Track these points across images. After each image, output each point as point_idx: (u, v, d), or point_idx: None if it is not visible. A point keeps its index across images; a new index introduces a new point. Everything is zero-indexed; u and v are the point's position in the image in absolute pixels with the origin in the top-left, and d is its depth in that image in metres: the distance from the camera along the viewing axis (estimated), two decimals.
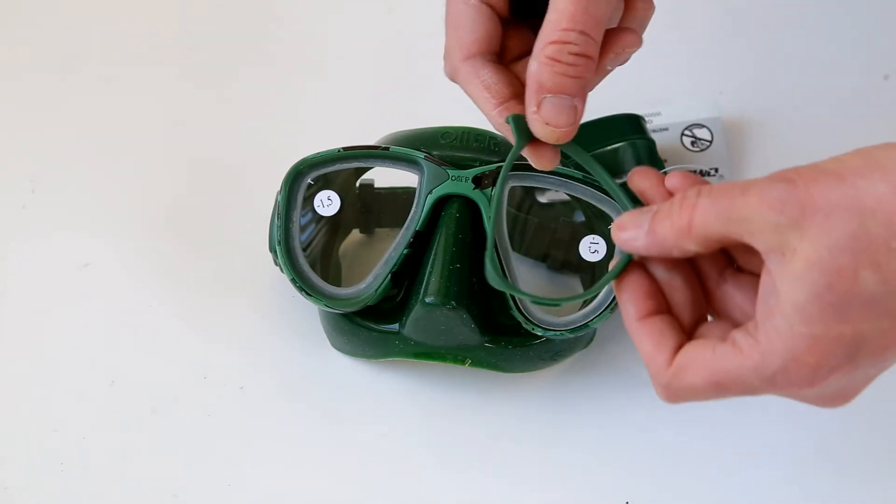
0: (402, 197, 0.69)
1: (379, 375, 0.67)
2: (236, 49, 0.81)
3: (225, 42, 0.82)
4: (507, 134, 0.55)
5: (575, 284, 0.69)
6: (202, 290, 0.70)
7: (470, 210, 0.61)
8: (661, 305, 0.52)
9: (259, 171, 0.67)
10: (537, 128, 0.53)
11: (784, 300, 0.47)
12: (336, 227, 0.68)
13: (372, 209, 0.70)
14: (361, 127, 0.68)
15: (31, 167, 0.75)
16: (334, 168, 0.63)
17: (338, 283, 0.67)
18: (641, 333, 0.51)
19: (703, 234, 0.49)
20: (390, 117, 0.72)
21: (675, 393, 0.50)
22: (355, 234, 0.71)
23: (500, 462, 0.64)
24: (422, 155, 0.62)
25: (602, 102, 0.67)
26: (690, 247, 0.50)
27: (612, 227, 0.52)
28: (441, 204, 0.61)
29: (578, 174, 0.61)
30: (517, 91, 0.55)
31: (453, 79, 0.58)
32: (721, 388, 0.49)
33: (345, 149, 0.63)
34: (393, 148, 0.62)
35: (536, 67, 0.53)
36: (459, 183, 0.61)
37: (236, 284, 0.70)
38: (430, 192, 0.61)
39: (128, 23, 0.83)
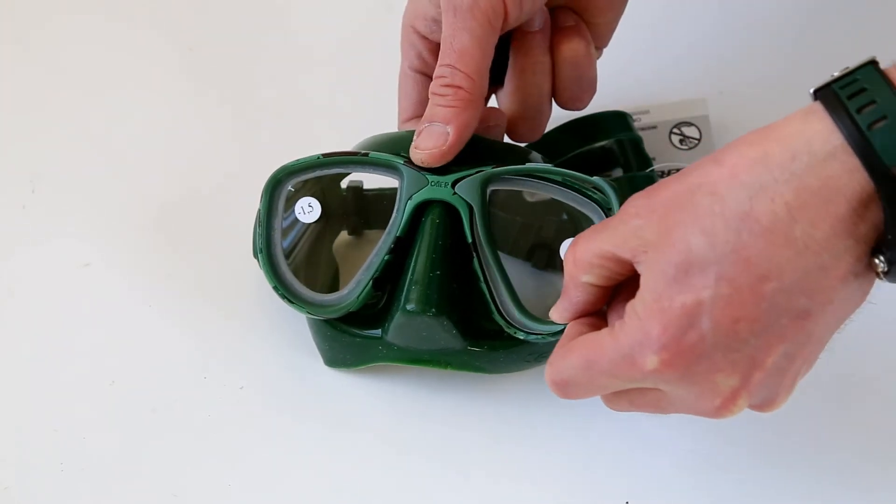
0: (391, 198, 0.69)
1: (378, 375, 0.66)
2: (237, 49, 0.81)
3: (225, 42, 0.82)
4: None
5: (559, 283, 0.69)
6: (202, 290, 0.70)
7: (450, 215, 0.61)
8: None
9: (259, 171, 0.66)
10: (412, 152, 0.60)
11: (642, 287, 0.50)
12: (324, 231, 0.68)
13: (359, 211, 0.70)
14: (363, 126, 0.67)
15: (31, 167, 0.75)
16: (314, 175, 0.63)
17: (335, 287, 0.67)
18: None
19: (585, 260, 0.53)
20: (393, 116, 0.72)
21: (555, 370, 0.54)
22: (348, 236, 0.71)
23: (499, 463, 0.64)
24: (401, 160, 0.61)
25: (598, 101, 0.68)
26: (584, 278, 0.54)
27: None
28: (421, 209, 0.61)
29: (559, 177, 0.61)
30: None
31: None
32: (591, 364, 0.52)
33: (324, 155, 0.63)
34: (372, 154, 0.62)
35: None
36: (439, 188, 0.61)
37: (237, 284, 0.70)
38: (409, 198, 0.61)
39: (128, 23, 0.83)
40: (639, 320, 0.50)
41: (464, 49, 0.58)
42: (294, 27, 0.82)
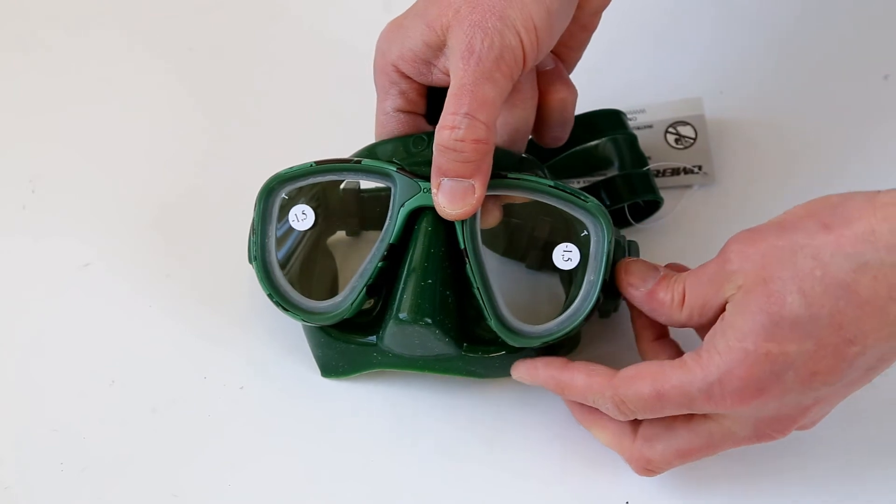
0: (387, 200, 0.69)
1: (376, 377, 0.66)
2: (237, 49, 0.81)
3: (225, 42, 0.82)
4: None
5: (554, 284, 0.69)
6: (202, 290, 0.70)
7: (443, 222, 0.60)
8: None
9: (259, 171, 0.67)
10: (438, 209, 0.59)
11: (726, 324, 0.54)
12: (320, 234, 0.68)
13: (357, 213, 0.70)
14: (363, 127, 0.67)
15: (31, 167, 0.76)
16: (307, 182, 0.63)
17: (335, 289, 0.68)
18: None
19: (692, 303, 0.57)
20: None
21: (621, 399, 0.57)
22: (346, 237, 0.71)
23: (499, 464, 0.64)
24: (394, 168, 0.61)
25: (595, 100, 0.67)
26: (679, 317, 0.58)
27: (621, 267, 0.60)
28: (414, 216, 0.61)
29: (550, 183, 0.61)
30: None
31: None
32: (663, 398, 0.55)
33: (317, 163, 0.63)
34: (365, 161, 0.62)
35: (434, 152, 0.58)
36: (431, 195, 0.60)
37: (237, 284, 0.70)
38: (402, 205, 0.61)
39: (127, 23, 0.83)
40: (720, 357, 0.54)
41: (486, 99, 0.57)
42: (294, 28, 0.82)
